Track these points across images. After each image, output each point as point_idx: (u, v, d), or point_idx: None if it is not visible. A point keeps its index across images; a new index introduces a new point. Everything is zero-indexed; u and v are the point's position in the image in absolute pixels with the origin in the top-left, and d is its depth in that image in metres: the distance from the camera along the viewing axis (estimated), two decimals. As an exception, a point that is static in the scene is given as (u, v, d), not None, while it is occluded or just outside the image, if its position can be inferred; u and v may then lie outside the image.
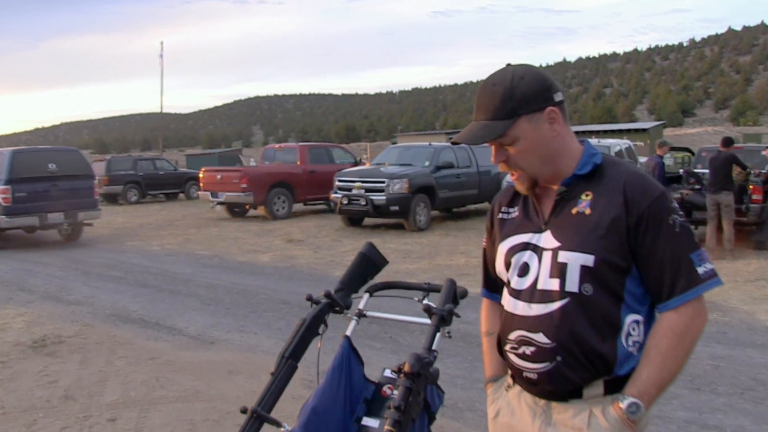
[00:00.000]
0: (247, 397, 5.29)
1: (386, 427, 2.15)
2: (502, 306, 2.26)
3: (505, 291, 2.24)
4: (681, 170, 16.34)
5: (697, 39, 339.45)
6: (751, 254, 12.36)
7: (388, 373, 2.90)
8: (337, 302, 2.91)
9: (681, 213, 2.08)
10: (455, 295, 2.67)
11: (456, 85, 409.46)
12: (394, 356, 6.55)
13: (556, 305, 2.06)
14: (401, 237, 15.69)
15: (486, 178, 19.11)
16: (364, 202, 16.53)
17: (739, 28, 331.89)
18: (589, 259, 2.02)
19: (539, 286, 2.10)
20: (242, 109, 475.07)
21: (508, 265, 2.21)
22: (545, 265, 2.10)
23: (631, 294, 2.06)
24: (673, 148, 18.94)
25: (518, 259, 2.18)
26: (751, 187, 12.85)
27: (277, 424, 2.64)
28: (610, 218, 2.03)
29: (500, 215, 2.33)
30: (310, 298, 2.92)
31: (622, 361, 2.06)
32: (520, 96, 2.05)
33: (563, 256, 2.06)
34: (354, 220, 17.96)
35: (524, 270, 2.16)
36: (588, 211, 2.07)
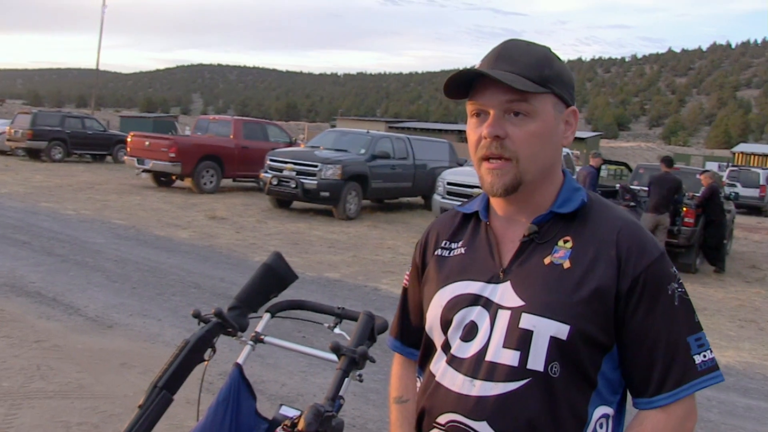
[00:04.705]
0: (136, 397, 4.68)
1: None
2: (431, 373, 1.66)
3: (438, 354, 1.65)
4: (617, 185, 16.13)
5: (639, 56, 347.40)
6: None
7: (284, 410, 2.42)
8: (229, 323, 2.39)
9: (681, 280, 1.57)
10: (372, 331, 2.19)
11: (401, 74, 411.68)
12: (305, 361, 6.03)
13: (512, 386, 1.49)
14: (329, 225, 15.23)
15: (422, 172, 18.81)
16: (294, 185, 15.93)
17: (678, 50, 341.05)
18: (563, 330, 1.48)
19: (488, 357, 1.53)
20: (184, 75, 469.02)
21: (446, 324, 1.63)
22: (499, 329, 1.53)
23: (606, 380, 1.54)
24: (609, 161, 18.82)
25: (463, 316, 1.59)
26: (684, 209, 12.75)
27: (142, 468, 2.14)
28: (597, 278, 1.50)
29: (438, 251, 1.74)
30: (197, 315, 2.40)
31: None
32: (558, 71, 1.57)
33: (528, 321, 1.50)
34: (282, 202, 17.44)
35: (471, 332, 1.57)
36: (567, 264, 1.53)
